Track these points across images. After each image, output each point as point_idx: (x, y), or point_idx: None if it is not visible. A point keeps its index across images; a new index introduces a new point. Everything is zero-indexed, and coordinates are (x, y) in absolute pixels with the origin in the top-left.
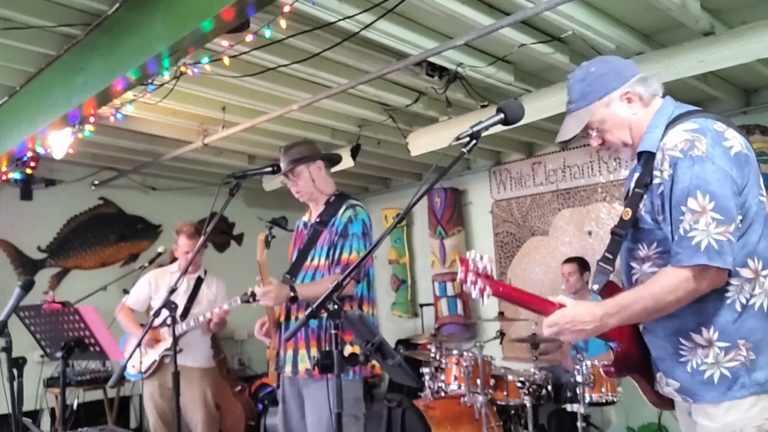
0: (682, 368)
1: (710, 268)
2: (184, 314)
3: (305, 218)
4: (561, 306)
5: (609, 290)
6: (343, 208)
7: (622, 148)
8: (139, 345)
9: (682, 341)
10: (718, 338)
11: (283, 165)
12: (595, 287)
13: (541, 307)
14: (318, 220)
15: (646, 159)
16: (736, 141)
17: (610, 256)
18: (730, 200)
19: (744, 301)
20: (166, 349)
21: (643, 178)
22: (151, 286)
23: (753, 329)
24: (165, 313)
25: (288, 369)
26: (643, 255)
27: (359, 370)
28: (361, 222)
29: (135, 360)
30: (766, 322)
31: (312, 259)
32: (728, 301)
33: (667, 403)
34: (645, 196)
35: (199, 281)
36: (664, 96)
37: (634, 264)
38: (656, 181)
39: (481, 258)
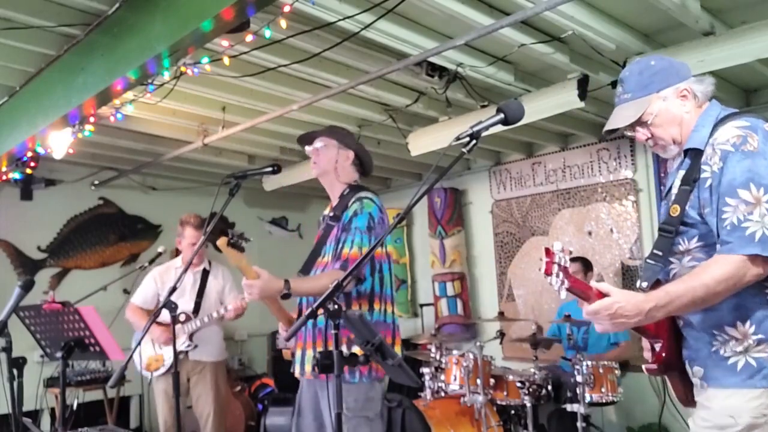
0: (708, 355)
1: (760, 257)
2: (196, 309)
3: (326, 211)
4: (605, 293)
5: (656, 288)
6: (352, 201)
7: (670, 146)
8: (138, 344)
9: (716, 333)
10: (754, 332)
11: (318, 134)
12: (645, 285)
13: (591, 297)
14: (332, 214)
15: (694, 156)
16: None
17: (660, 253)
18: None
19: None
20: (186, 346)
21: (690, 175)
22: (157, 284)
23: None
24: (183, 309)
25: (297, 370)
26: (683, 249)
27: (369, 372)
28: (367, 216)
29: (149, 358)
30: None
31: (323, 256)
32: (767, 297)
33: (694, 401)
34: (692, 192)
35: (205, 274)
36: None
37: (672, 259)
38: (704, 175)
39: (562, 250)
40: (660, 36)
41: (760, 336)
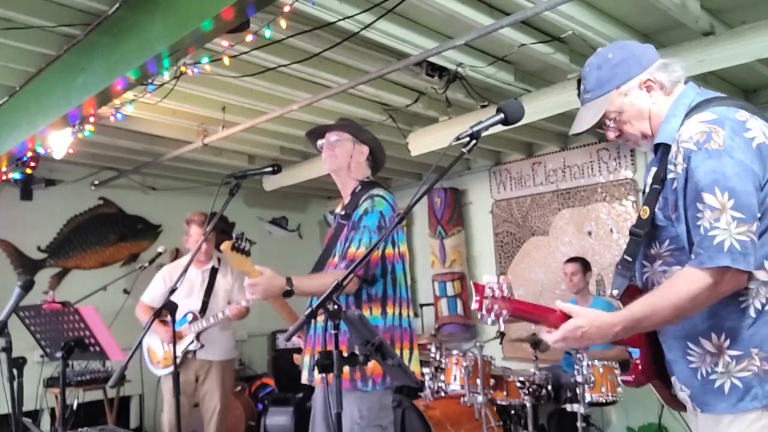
0: (693, 375)
1: (730, 270)
2: (203, 308)
3: (337, 209)
4: (564, 314)
5: (629, 294)
6: (363, 198)
7: (642, 141)
8: (139, 344)
9: (691, 346)
10: (729, 346)
11: (331, 128)
12: (615, 293)
13: (551, 321)
14: (343, 213)
15: (663, 152)
16: (759, 131)
17: (630, 259)
18: (752, 197)
19: (759, 306)
20: (193, 346)
21: (659, 173)
22: (166, 282)
23: (767, 336)
24: (188, 307)
25: (305, 376)
26: (654, 253)
27: (382, 380)
28: (378, 215)
29: (160, 356)
30: None
31: (334, 256)
32: (742, 306)
33: (682, 405)
34: (661, 193)
35: (213, 272)
36: (686, 82)
37: (645, 262)
38: (670, 176)
39: (498, 281)
40: (660, 36)
41: (737, 352)
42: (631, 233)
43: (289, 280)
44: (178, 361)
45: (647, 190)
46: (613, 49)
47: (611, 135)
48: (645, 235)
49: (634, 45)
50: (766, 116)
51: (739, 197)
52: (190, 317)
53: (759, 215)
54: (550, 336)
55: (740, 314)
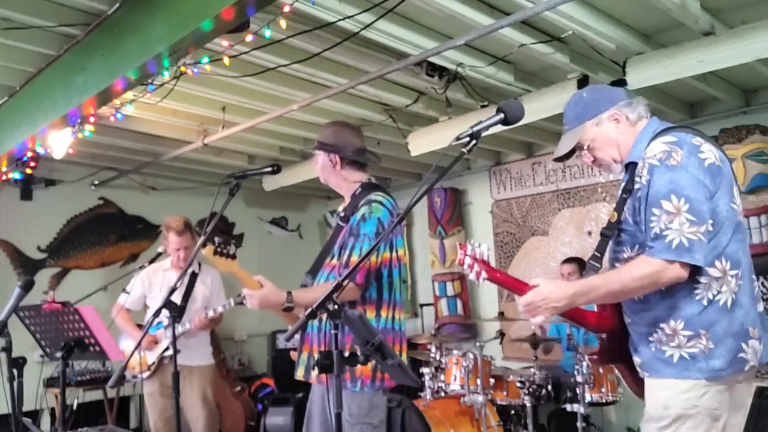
0: (648, 347)
1: (675, 262)
2: (180, 313)
3: (339, 209)
4: (536, 286)
5: None
6: (362, 202)
7: (613, 165)
8: (138, 346)
9: (653, 329)
10: (683, 328)
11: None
12: None
13: (522, 290)
14: (342, 215)
15: (632, 169)
16: (710, 154)
17: (599, 255)
18: (703, 204)
19: (711, 296)
20: (165, 350)
21: (628, 185)
22: (144, 285)
23: (714, 321)
24: (166, 312)
25: (302, 373)
26: (626, 257)
27: (371, 382)
28: (375, 221)
29: (135, 361)
30: (727, 317)
31: (331, 258)
32: (697, 297)
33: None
34: (628, 201)
35: (193, 277)
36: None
37: (617, 265)
38: (636, 186)
39: (479, 246)
40: (660, 36)
41: (689, 332)
42: (601, 234)
43: (289, 295)
44: (154, 366)
45: (618, 200)
46: (587, 90)
47: (587, 160)
48: (616, 241)
49: (605, 87)
50: (766, 116)
51: (693, 203)
52: (165, 322)
53: (711, 221)
54: (519, 299)
55: (695, 304)
